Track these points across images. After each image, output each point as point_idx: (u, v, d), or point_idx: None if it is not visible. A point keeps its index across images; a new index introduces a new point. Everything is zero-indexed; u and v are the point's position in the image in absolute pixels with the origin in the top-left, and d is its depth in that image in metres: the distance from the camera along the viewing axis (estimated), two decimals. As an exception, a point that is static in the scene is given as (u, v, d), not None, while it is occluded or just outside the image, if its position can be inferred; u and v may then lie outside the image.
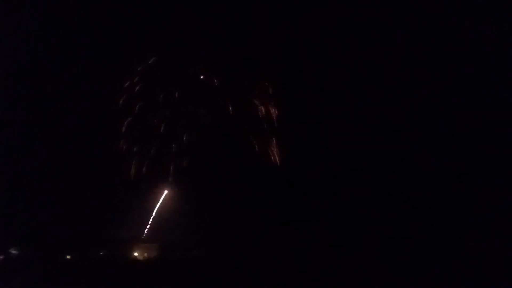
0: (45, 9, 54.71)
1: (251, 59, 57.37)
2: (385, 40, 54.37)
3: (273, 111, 57.41)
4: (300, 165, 55.28)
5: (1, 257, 52.93)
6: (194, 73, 57.99)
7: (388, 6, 52.86)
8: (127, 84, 57.24)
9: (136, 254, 55.63)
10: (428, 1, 52.88)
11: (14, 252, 53.43)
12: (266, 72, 57.47)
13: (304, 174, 55.04)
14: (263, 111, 57.58)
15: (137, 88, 57.55)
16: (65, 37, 56.13)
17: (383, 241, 50.27)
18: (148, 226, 57.26)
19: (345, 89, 55.11)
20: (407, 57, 53.72)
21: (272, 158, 56.87)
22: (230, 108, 57.53)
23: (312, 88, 55.88)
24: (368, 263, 49.10)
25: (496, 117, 50.84)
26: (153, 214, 56.94)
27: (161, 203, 56.79)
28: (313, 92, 55.68)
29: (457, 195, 49.72)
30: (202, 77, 57.83)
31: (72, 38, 56.29)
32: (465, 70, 52.22)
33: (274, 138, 56.98)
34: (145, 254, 55.54)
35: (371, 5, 53.70)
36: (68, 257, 54.21)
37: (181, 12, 56.64)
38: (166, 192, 57.61)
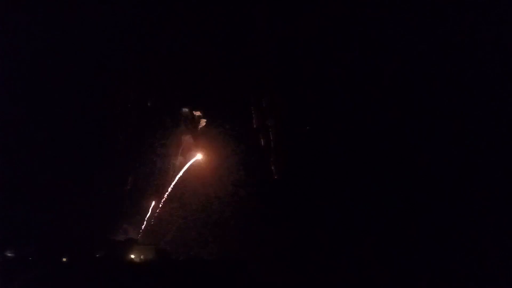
0: (44, 10, 55.49)
1: (249, 64, 57.59)
2: (385, 41, 54.33)
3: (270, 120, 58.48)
4: (299, 166, 55.27)
5: (-3, 259, 52.63)
6: (192, 78, 58.86)
7: (388, 6, 53.21)
8: (126, 87, 58.46)
9: (132, 256, 54.68)
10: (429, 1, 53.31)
11: (10, 254, 52.75)
12: (263, 79, 57.85)
13: (303, 175, 54.96)
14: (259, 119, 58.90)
15: (133, 94, 59.00)
16: (65, 41, 56.61)
17: (383, 241, 49.83)
18: (144, 229, 57.31)
19: (344, 91, 55.25)
20: (407, 57, 53.69)
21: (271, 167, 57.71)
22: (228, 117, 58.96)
23: (310, 89, 56.22)
24: (368, 262, 48.87)
25: (496, 117, 50.74)
26: (150, 216, 57.42)
27: (161, 206, 57.40)
28: (311, 94, 56.04)
29: (457, 195, 49.35)
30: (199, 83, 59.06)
31: (72, 42, 56.68)
32: (465, 70, 52.16)
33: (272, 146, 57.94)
34: (142, 256, 54.67)
35: (371, 6, 53.80)
36: (64, 259, 52.94)
37: (179, 17, 57.35)
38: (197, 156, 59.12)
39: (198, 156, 59.17)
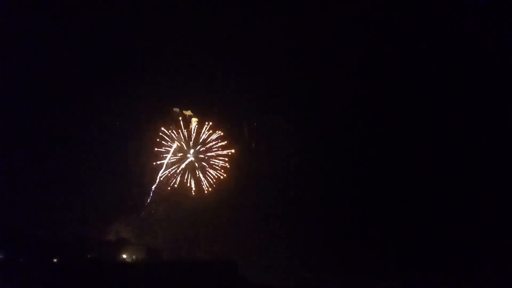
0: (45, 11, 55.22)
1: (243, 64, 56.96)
2: (384, 41, 54.34)
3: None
4: (296, 166, 54.86)
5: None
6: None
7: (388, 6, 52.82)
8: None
9: (124, 256, 54.65)
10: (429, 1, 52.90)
11: (1, 256, 51.74)
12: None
13: (300, 175, 54.64)
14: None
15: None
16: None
17: (382, 241, 49.75)
18: (136, 229, 57.12)
19: (343, 91, 54.81)
20: (407, 57, 53.52)
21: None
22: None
23: (308, 89, 55.73)
24: (367, 262, 48.68)
25: (496, 117, 50.58)
26: (142, 217, 57.19)
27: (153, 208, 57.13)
28: (310, 94, 55.63)
29: (457, 195, 49.24)
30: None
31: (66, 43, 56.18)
32: (465, 70, 52.02)
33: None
34: (134, 257, 54.54)
35: (370, 6, 53.54)
36: (55, 260, 52.42)
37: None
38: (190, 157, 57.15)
39: (191, 157, 57.90)
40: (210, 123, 57.52)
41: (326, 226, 51.12)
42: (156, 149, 57.00)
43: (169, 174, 57.21)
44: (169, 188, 57.01)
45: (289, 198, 53.87)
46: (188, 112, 58.28)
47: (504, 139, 49.17)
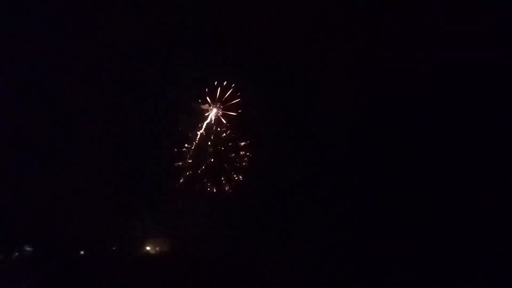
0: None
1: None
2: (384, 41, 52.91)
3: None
4: (303, 166, 55.37)
5: (16, 254, 54.10)
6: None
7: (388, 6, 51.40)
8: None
9: (148, 248, 56.87)
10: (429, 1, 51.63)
11: (28, 249, 54.29)
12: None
13: (307, 175, 55.28)
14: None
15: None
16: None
17: (382, 242, 50.84)
18: (159, 222, 57.58)
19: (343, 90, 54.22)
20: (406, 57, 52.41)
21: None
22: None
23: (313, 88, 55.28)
24: (367, 262, 50.06)
25: (496, 117, 51.02)
26: (164, 210, 57.42)
27: (171, 201, 57.55)
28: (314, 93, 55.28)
29: (457, 195, 50.24)
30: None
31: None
32: (466, 71, 51.23)
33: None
34: (157, 248, 56.85)
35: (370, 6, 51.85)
36: (82, 252, 55.18)
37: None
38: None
39: (211, 157, 58.07)
40: (228, 124, 57.38)
41: (341, 229, 52.44)
42: (175, 149, 57.39)
43: (191, 173, 57.77)
44: (190, 187, 57.72)
45: (308, 201, 55.17)
46: (205, 106, 57.13)
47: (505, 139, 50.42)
